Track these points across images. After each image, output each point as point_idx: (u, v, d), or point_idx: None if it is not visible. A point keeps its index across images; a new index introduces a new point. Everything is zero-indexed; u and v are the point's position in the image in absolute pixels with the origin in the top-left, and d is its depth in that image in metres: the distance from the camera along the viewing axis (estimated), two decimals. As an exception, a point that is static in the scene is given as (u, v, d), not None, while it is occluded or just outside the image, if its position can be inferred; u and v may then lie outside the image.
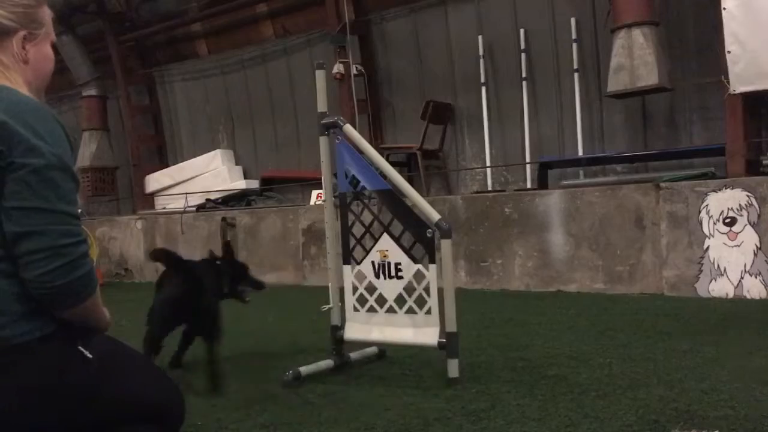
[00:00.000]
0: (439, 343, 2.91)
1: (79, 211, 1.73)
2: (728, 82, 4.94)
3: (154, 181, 9.49)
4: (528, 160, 6.82)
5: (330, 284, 3.26)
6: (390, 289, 3.08)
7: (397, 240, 3.08)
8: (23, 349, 1.63)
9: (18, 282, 1.63)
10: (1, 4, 1.72)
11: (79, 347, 1.70)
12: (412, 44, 7.66)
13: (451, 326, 2.88)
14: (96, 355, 1.72)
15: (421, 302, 3.00)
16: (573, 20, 6.53)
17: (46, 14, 1.85)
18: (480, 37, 7.07)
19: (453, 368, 2.86)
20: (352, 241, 3.24)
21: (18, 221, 1.60)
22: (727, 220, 4.75)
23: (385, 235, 3.09)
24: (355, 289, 3.19)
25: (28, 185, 1.59)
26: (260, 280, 3.57)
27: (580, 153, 6.50)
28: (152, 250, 3.71)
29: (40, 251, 1.60)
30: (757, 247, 4.67)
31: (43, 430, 1.67)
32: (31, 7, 1.78)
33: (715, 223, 4.80)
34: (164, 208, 9.01)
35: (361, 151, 3.17)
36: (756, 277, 4.66)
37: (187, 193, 8.75)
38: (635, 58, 5.51)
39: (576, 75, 6.53)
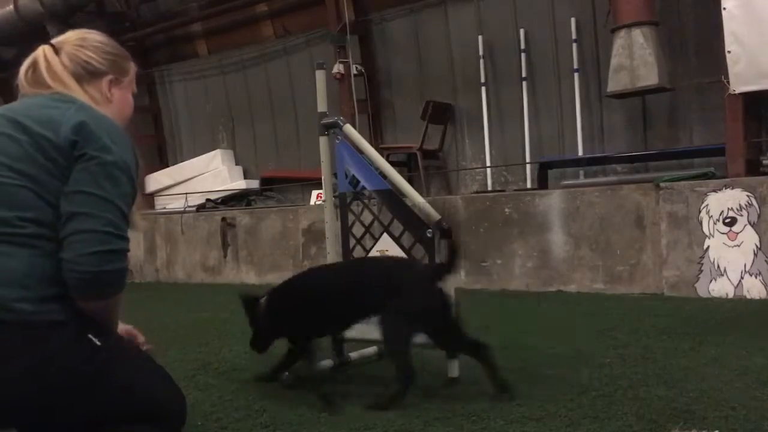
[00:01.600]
0: (439, 343, 2.90)
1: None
2: (728, 82, 4.94)
3: (154, 181, 9.49)
4: (528, 160, 6.82)
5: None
6: (390, 289, 3.07)
7: (397, 240, 3.08)
8: (37, 326, 1.69)
9: (54, 264, 1.72)
10: (95, 51, 2.05)
11: (90, 335, 1.76)
12: (412, 44, 7.66)
13: (451, 326, 2.87)
14: (105, 345, 1.78)
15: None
16: (573, 20, 6.53)
17: (132, 68, 2.21)
18: (480, 37, 7.07)
19: (453, 368, 2.86)
20: (352, 241, 3.24)
21: (74, 202, 1.75)
22: (727, 220, 4.75)
23: (385, 235, 3.09)
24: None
25: (93, 174, 1.77)
26: None
27: (580, 153, 6.50)
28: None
29: (85, 232, 1.72)
30: (757, 247, 4.67)
31: (47, 409, 1.71)
32: (120, 58, 2.15)
33: (715, 223, 4.80)
34: (164, 208, 9.01)
35: (361, 151, 3.17)
36: (756, 277, 4.66)
37: (187, 193, 8.75)
38: (635, 58, 5.51)
39: (576, 75, 6.53)
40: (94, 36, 2.10)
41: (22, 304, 1.67)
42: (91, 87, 2.02)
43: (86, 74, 2.01)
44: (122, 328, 2.07)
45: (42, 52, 2.00)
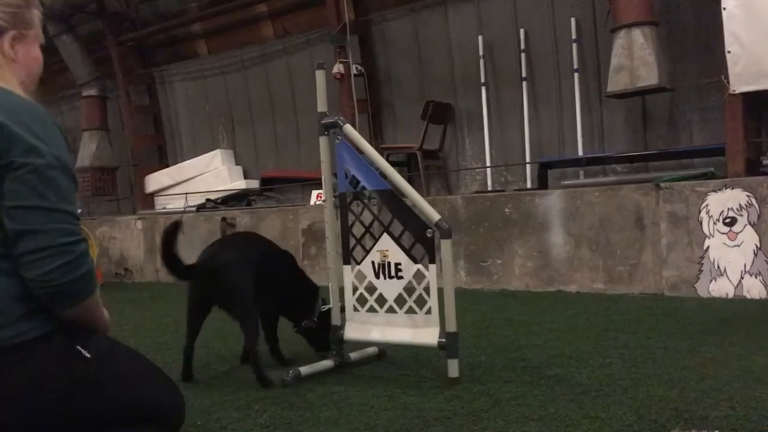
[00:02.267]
0: (439, 343, 2.91)
1: (79, 211, 1.74)
2: (728, 82, 4.94)
3: (154, 181, 9.48)
4: (528, 160, 6.82)
5: (330, 284, 3.26)
6: (390, 289, 3.08)
7: (397, 240, 3.08)
8: (22, 348, 1.63)
9: (18, 281, 1.64)
10: None
11: (78, 347, 1.71)
12: (412, 44, 7.66)
13: (451, 326, 2.88)
14: (94, 354, 1.73)
15: (421, 302, 3.00)
16: (573, 20, 6.53)
17: (35, 16, 1.85)
18: (480, 37, 7.07)
19: (453, 368, 2.86)
20: (352, 241, 3.24)
21: (18, 220, 1.61)
22: (727, 220, 4.75)
23: (385, 235, 3.09)
24: (355, 289, 3.18)
25: (28, 184, 1.61)
26: None
27: (580, 153, 6.50)
28: None
29: (41, 250, 1.61)
30: (757, 247, 4.67)
31: (42, 429, 1.67)
32: (21, 8, 1.80)
33: (715, 223, 4.80)
34: (164, 208, 9.02)
35: (361, 151, 3.17)
36: (756, 277, 4.66)
37: (187, 193, 8.75)
38: (635, 58, 5.51)
39: (576, 75, 6.53)
40: None
41: (2, 331, 1.61)
42: None
43: None
44: None
45: None
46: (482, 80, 7.10)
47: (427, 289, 2.96)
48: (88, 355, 1.71)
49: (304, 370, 3.02)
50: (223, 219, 7.66)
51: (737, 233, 4.73)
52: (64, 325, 1.71)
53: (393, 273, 3.07)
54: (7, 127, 1.61)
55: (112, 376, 1.77)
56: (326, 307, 3.30)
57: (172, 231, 2.85)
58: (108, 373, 1.76)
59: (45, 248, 1.62)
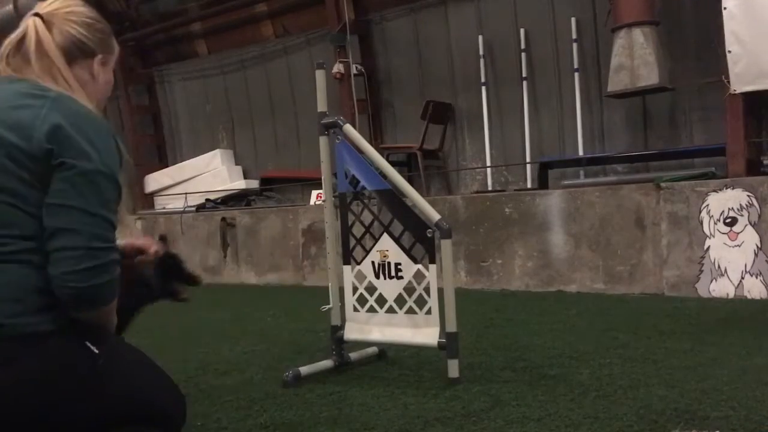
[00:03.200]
0: (439, 343, 2.90)
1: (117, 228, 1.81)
2: (729, 82, 4.93)
3: (154, 181, 9.48)
4: (528, 160, 6.81)
5: (330, 284, 3.26)
6: (390, 289, 3.07)
7: (397, 240, 3.08)
8: (33, 338, 1.67)
9: (42, 275, 1.68)
10: (86, 28, 1.88)
11: (87, 342, 1.74)
12: (412, 44, 7.65)
13: (451, 326, 2.88)
14: (103, 351, 1.75)
15: (421, 302, 2.99)
16: (573, 20, 6.53)
17: (115, 46, 2.01)
18: (480, 37, 7.06)
19: (453, 368, 2.86)
20: (352, 241, 3.24)
21: (57, 217, 1.67)
22: (728, 220, 4.75)
23: (385, 235, 3.09)
24: (355, 289, 3.18)
25: (74, 185, 1.67)
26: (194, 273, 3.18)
27: (581, 153, 6.50)
28: None
29: (72, 249, 1.66)
30: (757, 247, 4.67)
31: (46, 420, 1.69)
32: (107, 35, 1.95)
33: (715, 223, 4.80)
34: (164, 208, 9.01)
35: (361, 151, 3.17)
36: (756, 277, 4.66)
37: (186, 193, 8.75)
38: (636, 58, 5.51)
39: (576, 75, 6.53)
40: (81, 9, 1.91)
41: (16, 319, 1.65)
42: (79, 67, 1.87)
43: (78, 53, 1.85)
44: (137, 241, 2.14)
45: (33, 24, 1.83)
46: (482, 80, 7.10)
47: (427, 289, 2.96)
48: (97, 351, 1.74)
49: (304, 370, 3.02)
50: (223, 219, 7.66)
51: (738, 233, 4.72)
52: (76, 322, 1.74)
53: (393, 273, 3.06)
54: (64, 130, 1.68)
55: (117, 374, 1.79)
56: None
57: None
58: (114, 370, 1.77)
59: (75, 248, 1.66)
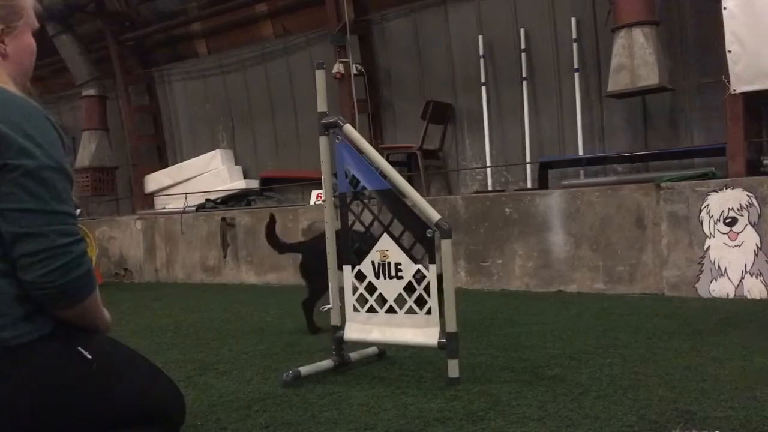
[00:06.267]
0: (439, 343, 2.90)
1: (78, 211, 1.73)
2: (729, 81, 4.93)
3: (154, 181, 9.48)
4: (528, 160, 6.82)
5: (330, 284, 3.26)
6: (390, 289, 3.07)
7: (397, 240, 3.07)
8: (22, 350, 1.62)
9: (16, 282, 1.62)
10: None
11: (78, 348, 1.70)
12: (412, 44, 7.66)
13: (451, 326, 2.88)
14: (95, 355, 1.72)
15: (421, 302, 2.99)
16: (573, 20, 6.53)
17: (26, 3, 1.76)
18: (480, 37, 7.06)
19: (453, 368, 2.85)
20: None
21: (15, 222, 1.59)
22: (728, 220, 4.75)
23: (385, 235, 3.09)
24: (355, 289, 3.18)
25: (23, 187, 1.58)
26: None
27: (581, 153, 6.50)
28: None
29: (40, 252, 1.59)
30: (757, 247, 4.67)
31: (43, 431, 1.66)
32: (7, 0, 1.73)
33: (715, 223, 4.80)
34: (164, 208, 9.01)
35: (361, 151, 3.16)
36: (756, 277, 4.66)
37: (186, 193, 8.75)
38: (636, 58, 5.51)
39: (576, 75, 6.53)
40: None
41: (1, 333, 1.59)
42: None
43: None
44: None
45: None
46: (482, 80, 7.10)
47: (427, 289, 2.96)
48: (89, 356, 1.70)
49: (304, 370, 3.02)
50: (223, 219, 7.66)
51: (738, 233, 4.72)
52: (64, 327, 1.69)
53: (393, 273, 3.06)
54: None
55: (113, 377, 1.76)
56: None
57: (272, 221, 4.21)
58: (109, 374, 1.74)
59: (44, 250, 1.60)
